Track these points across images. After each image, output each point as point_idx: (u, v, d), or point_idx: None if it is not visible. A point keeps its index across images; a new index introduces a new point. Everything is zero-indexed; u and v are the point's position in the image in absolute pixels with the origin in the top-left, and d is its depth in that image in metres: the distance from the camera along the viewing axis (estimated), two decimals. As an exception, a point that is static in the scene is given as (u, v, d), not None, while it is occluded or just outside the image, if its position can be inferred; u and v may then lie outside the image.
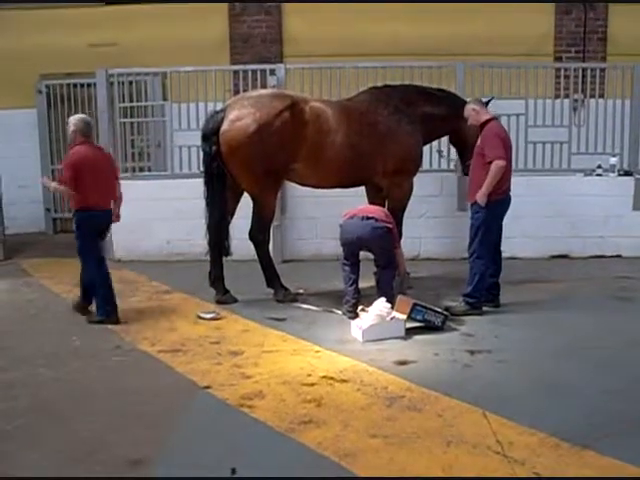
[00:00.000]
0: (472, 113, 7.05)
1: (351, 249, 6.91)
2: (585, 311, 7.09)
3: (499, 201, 6.86)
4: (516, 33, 11.69)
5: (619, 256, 9.60)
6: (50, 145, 12.25)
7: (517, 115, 9.61)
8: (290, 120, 7.32)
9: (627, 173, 9.70)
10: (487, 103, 8.02)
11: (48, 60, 11.88)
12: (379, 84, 8.37)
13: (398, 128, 7.80)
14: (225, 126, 7.26)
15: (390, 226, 6.89)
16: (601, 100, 9.87)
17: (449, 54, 10.76)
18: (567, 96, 10.17)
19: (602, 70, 10.17)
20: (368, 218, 6.82)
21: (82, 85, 11.74)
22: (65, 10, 12.18)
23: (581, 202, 9.55)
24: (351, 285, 6.94)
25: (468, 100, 7.65)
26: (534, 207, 9.38)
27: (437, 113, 8.05)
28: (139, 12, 12.13)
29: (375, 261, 7.06)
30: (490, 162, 6.71)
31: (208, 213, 7.45)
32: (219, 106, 8.12)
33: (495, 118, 7.09)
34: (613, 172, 9.66)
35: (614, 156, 9.72)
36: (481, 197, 6.75)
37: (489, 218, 6.83)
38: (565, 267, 9.12)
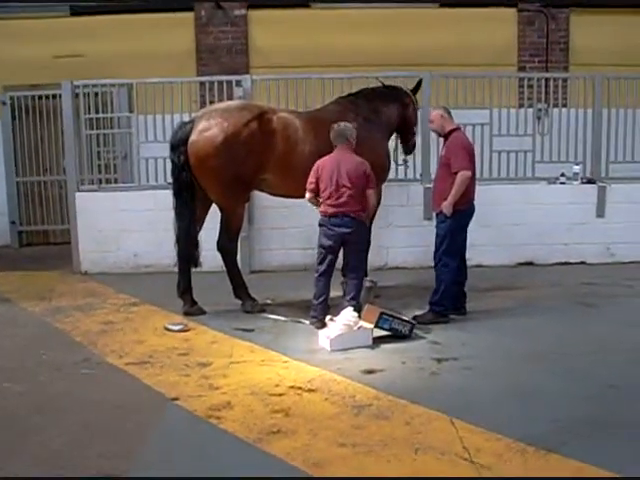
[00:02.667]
0: (438, 118, 7.09)
1: (333, 246, 6.90)
2: (551, 317, 7.18)
3: (464, 211, 6.92)
4: (480, 43, 11.86)
5: (583, 263, 9.72)
6: (15, 157, 12.08)
7: (482, 124, 9.70)
8: (257, 130, 7.34)
9: (590, 181, 9.85)
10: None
11: (12, 71, 11.78)
12: (344, 94, 8.43)
13: (368, 138, 7.79)
14: (193, 136, 7.25)
15: (363, 213, 6.96)
16: (564, 109, 10.01)
17: (415, 64, 10.85)
18: (531, 105, 10.33)
19: (564, 80, 10.34)
20: (345, 215, 6.84)
21: (47, 97, 11.59)
22: (29, 21, 12.07)
23: (545, 210, 9.67)
24: (321, 303, 6.94)
25: (433, 107, 7.77)
26: (499, 215, 9.46)
27: (394, 112, 8.29)
28: (105, 23, 12.06)
29: (343, 270, 7.08)
30: (456, 172, 6.79)
31: (177, 224, 7.41)
32: (185, 117, 8.14)
33: (459, 128, 7.17)
34: (576, 180, 9.81)
35: (577, 164, 9.86)
36: (447, 207, 6.81)
37: (454, 227, 6.90)
38: (530, 274, 9.22)
